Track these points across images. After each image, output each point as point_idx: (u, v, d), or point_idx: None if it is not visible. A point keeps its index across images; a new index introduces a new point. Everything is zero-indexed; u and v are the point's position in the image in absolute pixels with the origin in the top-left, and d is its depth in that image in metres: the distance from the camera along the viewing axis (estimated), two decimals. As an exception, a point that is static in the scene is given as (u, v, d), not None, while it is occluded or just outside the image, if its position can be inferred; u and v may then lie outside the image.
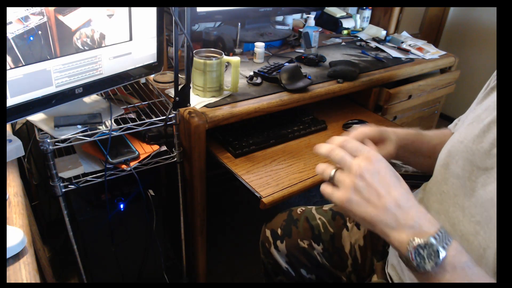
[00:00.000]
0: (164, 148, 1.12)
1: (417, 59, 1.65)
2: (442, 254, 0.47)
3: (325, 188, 0.54)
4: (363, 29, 1.97)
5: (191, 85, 1.11)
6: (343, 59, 1.54)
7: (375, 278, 0.81)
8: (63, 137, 0.90)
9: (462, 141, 0.63)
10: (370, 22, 2.00)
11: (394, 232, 0.49)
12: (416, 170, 0.95)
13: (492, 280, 0.48)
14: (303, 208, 0.99)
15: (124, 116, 1.04)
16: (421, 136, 0.77)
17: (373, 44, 1.77)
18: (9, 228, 0.65)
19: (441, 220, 0.64)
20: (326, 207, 0.98)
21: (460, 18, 2.41)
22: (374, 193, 0.50)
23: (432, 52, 1.70)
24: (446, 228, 0.62)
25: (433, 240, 0.47)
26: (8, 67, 0.76)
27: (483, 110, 0.64)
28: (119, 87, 1.13)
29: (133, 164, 1.03)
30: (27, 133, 1.31)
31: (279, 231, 0.97)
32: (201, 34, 1.55)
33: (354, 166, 0.51)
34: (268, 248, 0.99)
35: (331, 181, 0.54)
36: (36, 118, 0.96)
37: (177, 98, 1.04)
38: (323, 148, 0.55)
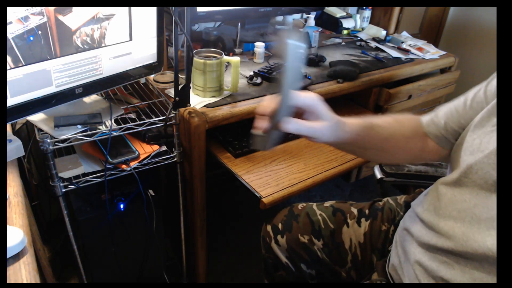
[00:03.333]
0: (164, 148, 1.12)
1: (417, 59, 1.65)
2: None
3: None
4: (363, 29, 1.97)
5: (191, 85, 1.11)
6: (343, 59, 1.54)
7: (375, 276, 0.81)
8: (63, 137, 0.90)
9: (483, 150, 0.59)
10: (370, 22, 2.00)
11: None
12: (418, 170, 0.95)
13: None
14: (304, 204, 0.99)
15: (124, 116, 1.04)
16: (371, 130, 0.72)
17: (373, 44, 1.77)
18: (9, 228, 0.65)
19: (455, 231, 0.61)
20: (327, 204, 0.98)
21: (460, 18, 2.41)
22: None
23: (432, 52, 1.70)
24: (459, 241, 0.59)
25: None
26: (8, 67, 0.76)
27: None
28: (119, 87, 1.13)
29: (133, 164, 1.03)
30: (27, 133, 1.31)
31: (280, 226, 0.97)
32: (201, 34, 1.55)
33: None
34: (269, 243, 0.99)
35: None
36: (36, 118, 0.96)
37: (177, 98, 1.04)
38: None
